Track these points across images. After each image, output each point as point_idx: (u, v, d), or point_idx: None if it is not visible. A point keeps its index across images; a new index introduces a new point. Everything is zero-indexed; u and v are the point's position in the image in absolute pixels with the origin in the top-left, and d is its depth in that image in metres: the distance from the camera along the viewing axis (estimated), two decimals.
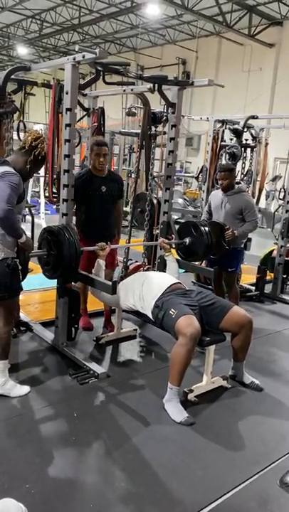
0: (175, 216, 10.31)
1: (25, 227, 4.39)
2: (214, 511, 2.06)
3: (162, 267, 3.91)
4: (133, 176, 5.96)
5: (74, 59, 3.01)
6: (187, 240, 3.96)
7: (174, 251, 4.00)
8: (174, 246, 3.98)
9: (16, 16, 15.36)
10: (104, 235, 3.71)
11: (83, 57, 2.94)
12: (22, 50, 18.78)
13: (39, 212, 8.74)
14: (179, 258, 4.01)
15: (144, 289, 3.20)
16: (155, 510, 2.05)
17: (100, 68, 3.22)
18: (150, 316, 3.13)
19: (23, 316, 3.99)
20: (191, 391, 2.99)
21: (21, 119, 4.00)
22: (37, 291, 4.78)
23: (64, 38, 17.40)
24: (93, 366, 3.21)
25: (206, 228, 3.90)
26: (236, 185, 4.37)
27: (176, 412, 2.75)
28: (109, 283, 3.01)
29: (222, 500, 2.11)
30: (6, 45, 18.94)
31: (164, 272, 3.73)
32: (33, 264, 4.15)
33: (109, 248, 3.41)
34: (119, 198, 4.00)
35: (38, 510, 1.98)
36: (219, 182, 4.31)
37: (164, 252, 3.82)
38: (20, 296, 4.06)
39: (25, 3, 13.73)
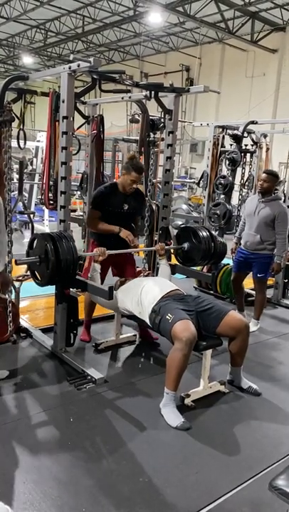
0: (179, 222, 10.36)
1: (29, 234, 4.42)
2: None
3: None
4: None
5: (69, 68, 3.06)
6: (186, 245, 3.98)
7: (172, 256, 4.03)
8: (172, 251, 4.00)
9: (20, 26, 15.55)
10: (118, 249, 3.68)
11: (78, 66, 2.99)
12: (27, 60, 18.98)
13: (43, 219, 8.83)
14: (177, 263, 4.03)
15: (143, 295, 3.22)
16: None
17: (95, 76, 3.28)
18: (148, 321, 3.15)
19: (23, 322, 4.02)
20: (188, 396, 2.99)
21: (21, 127, 4.07)
22: (37, 298, 4.81)
23: (68, 46, 17.59)
24: (91, 371, 3.23)
25: (205, 233, 3.92)
26: (273, 194, 4.38)
27: (173, 417, 2.75)
28: (106, 288, 3.03)
29: (214, 505, 2.11)
30: (12, 54, 19.19)
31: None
32: None
33: (105, 255, 3.42)
34: (139, 216, 4.02)
35: None
36: (259, 183, 4.36)
37: (158, 256, 3.85)
38: (21, 303, 4.12)
39: (29, 14, 13.89)
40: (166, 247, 3.89)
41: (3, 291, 2.87)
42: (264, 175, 4.31)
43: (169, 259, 3.94)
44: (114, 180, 3.89)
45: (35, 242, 3.18)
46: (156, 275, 3.97)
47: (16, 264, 3.13)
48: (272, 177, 4.29)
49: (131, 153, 3.76)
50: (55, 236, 3.09)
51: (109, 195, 3.63)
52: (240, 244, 4.59)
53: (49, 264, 3.01)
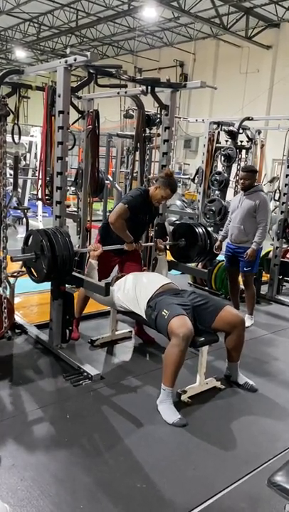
0: (173, 218, 10.35)
1: (22, 229, 4.35)
2: None
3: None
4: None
5: (66, 62, 3.03)
6: (182, 242, 3.96)
7: (168, 252, 4.01)
8: (167, 247, 3.99)
9: (13, 19, 15.39)
10: (121, 252, 3.66)
11: (75, 60, 2.97)
12: (20, 54, 18.80)
13: (37, 215, 8.78)
14: (173, 260, 4.02)
15: (137, 291, 3.21)
16: (146, 511, 2.05)
17: (92, 71, 3.25)
18: (144, 316, 3.14)
19: (18, 318, 3.99)
20: (185, 392, 3.00)
21: (16, 122, 4.02)
22: (31, 294, 4.79)
23: (62, 41, 17.44)
24: (87, 368, 3.22)
25: (201, 230, 3.90)
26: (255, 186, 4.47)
27: (169, 414, 2.75)
28: (103, 285, 3.01)
29: (212, 501, 2.12)
30: (4, 48, 19.00)
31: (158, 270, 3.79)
32: None
33: (101, 250, 3.40)
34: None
35: (27, 511, 1.98)
36: (240, 181, 4.44)
37: (158, 252, 3.84)
38: (16, 299, 4.09)
39: (22, 7, 13.76)
40: (163, 242, 3.88)
41: None
42: (243, 173, 4.40)
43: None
44: (147, 187, 3.77)
45: (31, 238, 3.15)
46: (154, 270, 3.95)
47: (12, 261, 3.10)
48: (251, 173, 4.39)
49: (169, 170, 3.64)
50: (51, 232, 3.07)
51: (143, 202, 3.54)
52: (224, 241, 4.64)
53: (45, 261, 2.98)
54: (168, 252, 4.04)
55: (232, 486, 2.23)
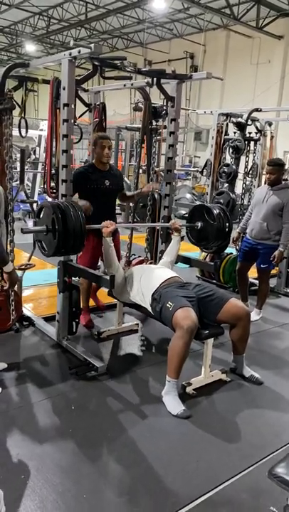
0: (183, 211, 10.32)
1: (30, 224, 4.38)
2: (207, 503, 2.08)
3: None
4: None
5: (70, 54, 3.03)
6: (199, 224, 3.86)
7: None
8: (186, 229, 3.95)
9: (23, 13, 15.38)
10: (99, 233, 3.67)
11: (79, 52, 2.96)
12: (30, 47, 18.81)
13: None
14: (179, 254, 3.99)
15: (143, 283, 3.21)
16: (149, 502, 2.07)
17: (96, 63, 3.24)
18: (149, 309, 3.15)
19: (25, 310, 4.03)
20: (190, 384, 3.00)
21: (22, 115, 4.03)
22: (40, 287, 4.83)
23: (71, 34, 17.39)
24: (93, 360, 3.24)
25: (219, 212, 3.79)
26: (283, 182, 4.33)
27: (174, 405, 2.76)
28: (107, 277, 3.02)
29: (215, 492, 2.12)
30: (15, 42, 19.01)
31: (168, 245, 3.77)
32: (36, 259, 4.21)
33: (114, 226, 3.32)
34: (121, 191, 3.99)
35: (30, 500, 2.01)
36: (266, 176, 4.29)
37: (175, 232, 3.74)
38: (24, 292, 4.13)
39: (32, 1, 13.75)
40: (179, 224, 3.80)
41: (10, 289, 2.91)
42: (269, 167, 4.22)
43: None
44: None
45: (43, 211, 3.06)
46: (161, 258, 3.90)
47: (22, 232, 3.07)
48: (278, 167, 4.22)
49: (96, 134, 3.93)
50: (63, 205, 2.96)
51: (90, 174, 3.69)
52: (243, 234, 4.57)
53: (56, 234, 2.89)
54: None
55: (235, 477, 2.23)
